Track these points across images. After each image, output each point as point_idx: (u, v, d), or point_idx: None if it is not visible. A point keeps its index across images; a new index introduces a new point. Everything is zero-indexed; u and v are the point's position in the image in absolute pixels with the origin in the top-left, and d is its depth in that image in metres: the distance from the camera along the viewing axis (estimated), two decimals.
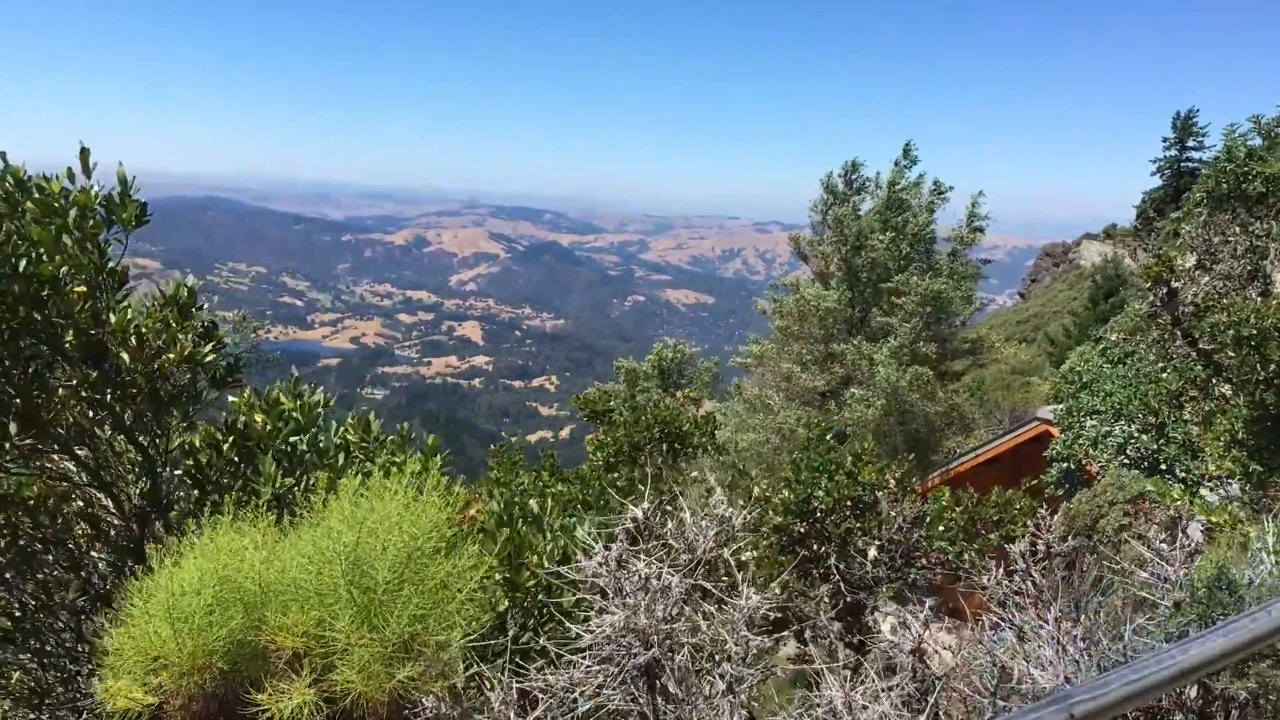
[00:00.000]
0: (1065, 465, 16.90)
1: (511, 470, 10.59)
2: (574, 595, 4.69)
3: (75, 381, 6.04)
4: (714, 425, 11.33)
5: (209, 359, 6.02)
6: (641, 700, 4.50)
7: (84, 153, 5.42)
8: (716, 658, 4.64)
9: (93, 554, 6.71)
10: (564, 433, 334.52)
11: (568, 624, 4.48)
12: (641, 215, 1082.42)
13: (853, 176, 30.67)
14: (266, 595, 3.47)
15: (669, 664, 4.56)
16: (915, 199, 27.90)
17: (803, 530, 8.76)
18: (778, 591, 9.01)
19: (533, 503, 10.09)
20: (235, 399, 7.20)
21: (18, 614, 6.25)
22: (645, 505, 4.89)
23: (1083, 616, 6.71)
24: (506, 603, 6.75)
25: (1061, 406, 17.41)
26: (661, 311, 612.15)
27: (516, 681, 4.30)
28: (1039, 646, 6.84)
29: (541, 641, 4.80)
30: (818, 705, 4.46)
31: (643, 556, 4.61)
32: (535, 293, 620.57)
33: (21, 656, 6.21)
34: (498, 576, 6.78)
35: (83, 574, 6.59)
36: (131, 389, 5.99)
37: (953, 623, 12.80)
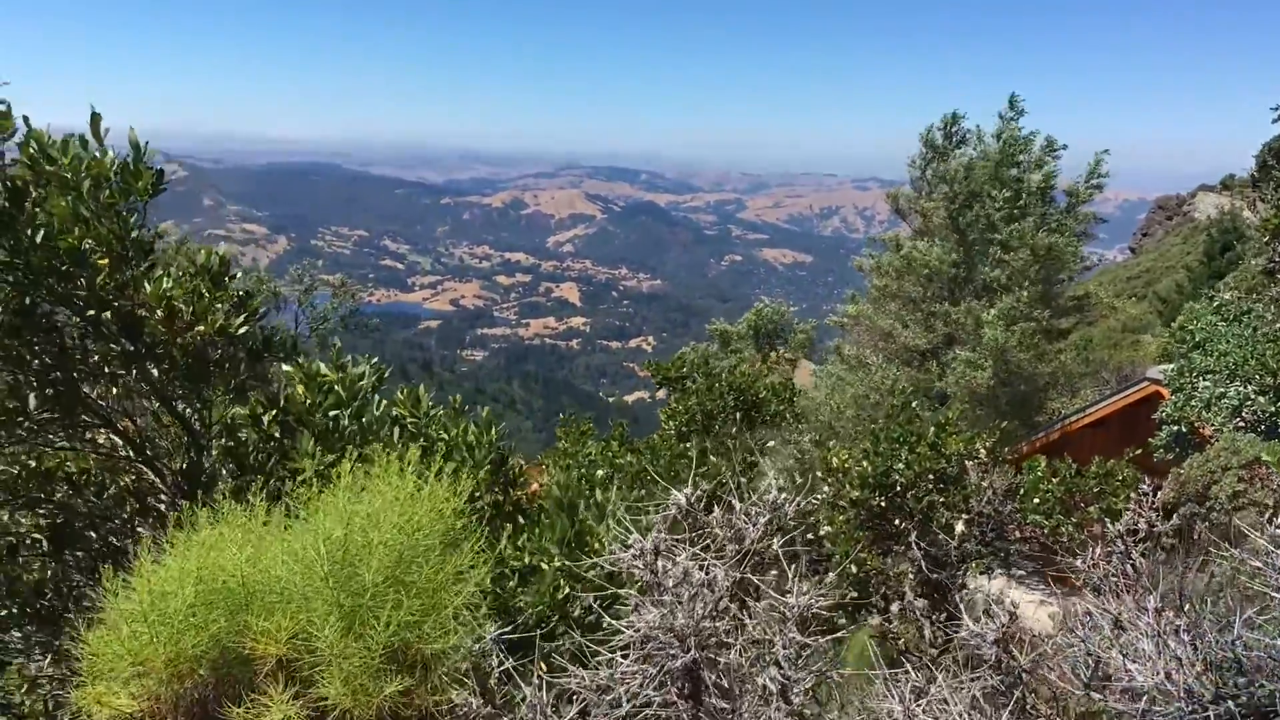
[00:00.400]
0: (1176, 428, 15.95)
1: (579, 441, 10.23)
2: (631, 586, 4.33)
3: (110, 354, 5.80)
4: (793, 392, 10.80)
5: (242, 330, 5.68)
6: (682, 705, 4.10)
7: (95, 118, 5.13)
8: (764, 660, 4.20)
9: (139, 530, 6.53)
10: (660, 393, 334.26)
11: (606, 618, 4.12)
12: (738, 174, 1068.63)
13: (952, 130, 29.53)
14: (250, 596, 3.12)
15: (712, 667, 4.15)
16: (1025, 154, 26.71)
17: (882, 504, 8.22)
18: (854, 571, 8.52)
19: (600, 473, 9.73)
20: (289, 368, 6.92)
21: (58, 592, 6.09)
22: (688, 490, 4.46)
23: (1187, 606, 6.11)
24: (566, 590, 6.38)
25: (1172, 366, 16.42)
26: (759, 271, 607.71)
27: (551, 678, 3.97)
28: (1137, 638, 6.25)
29: (577, 637, 4.45)
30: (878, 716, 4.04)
31: (685, 547, 4.18)
32: (631, 253, 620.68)
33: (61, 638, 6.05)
34: (557, 563, 6.44)
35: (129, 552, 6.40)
36: (164, 362, 5.73)
37: (1051, 591, 12.12)
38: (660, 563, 4.14)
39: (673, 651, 4.01)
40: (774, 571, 4.30)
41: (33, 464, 5.89)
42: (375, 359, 7.34)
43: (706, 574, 4.09)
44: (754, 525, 4.28)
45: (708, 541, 4.33)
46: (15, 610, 5.44)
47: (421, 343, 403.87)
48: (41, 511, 6.20)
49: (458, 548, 3.30)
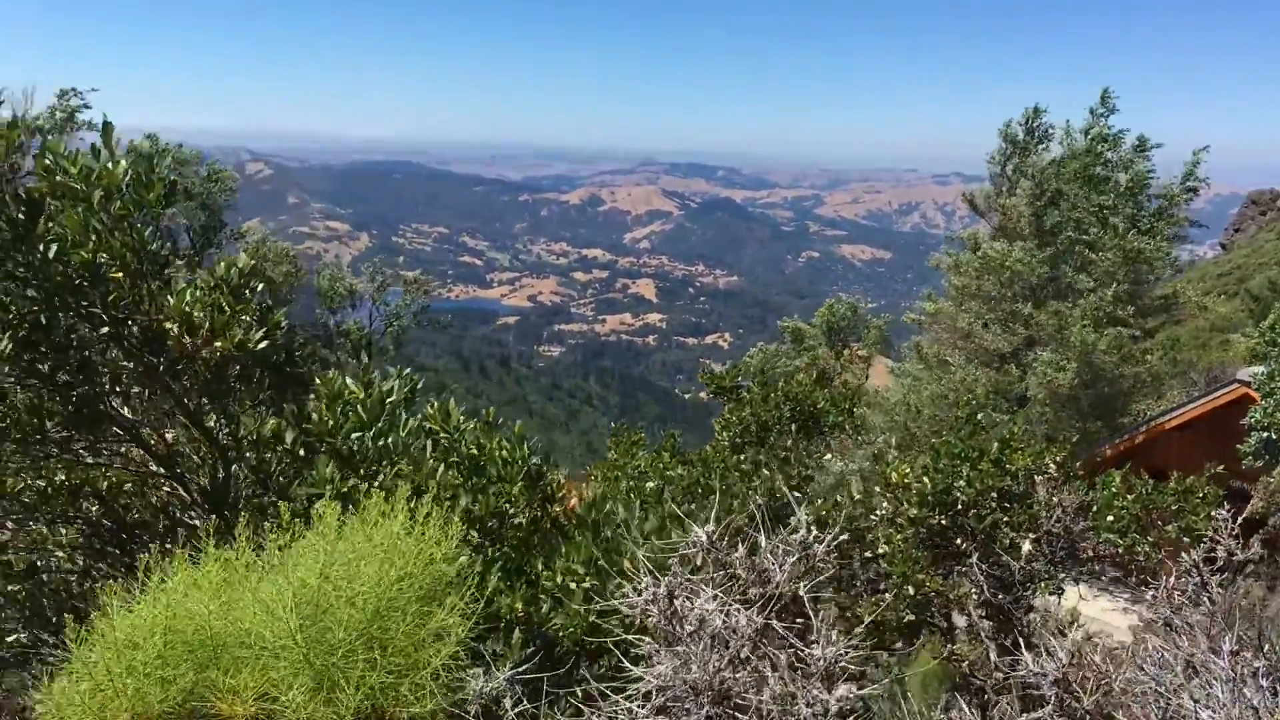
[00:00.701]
0: (1266, 434, 15.15)
1: (629, 452, 9.95)
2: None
3: (128, 370, 5.65)
4: (853, 402, 10.41)
5: (261, 346, 5.48)
6: None
7: (106, 128, 4.96)
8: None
9: (169, 546, 6.40)
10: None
11: (624, 662, 3.83)
12: (816, 170, 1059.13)
13: (1035, 125, 28.62)
14: (219, 649, 2.88)
15: None
16: (1114, 152, 25.74)
17: (943, 523, 7.82)
18: (911, 593, 8.11)
19: (650, 485, 9.45)
20: (322, 379, 6.72)
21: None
22: (710, 528, 4.14)
23: (1267, 646, 5.65)
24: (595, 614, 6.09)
25: (1263, 369, 15.60)
26: (836, 267, 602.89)
27: None
28: (1210, 681, 5.80)
29: (593, 684, 4.16)
30: None
31: (706, 588, 3.86)
32: (708, 249, 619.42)
33: None
34: (586, 584, 6.17)
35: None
36: (184, 377, 5.57)
37: (1135, 599, 11.53)
38: (678, 604, 3.84)
39: (688, 705, 3.70)
40: (799, 619, 3.97)
41: (60, 479, 5.75)
42: (407, 371, 7.13)
43: (727, 620, 3.78)
44: (781, 567, 3.95)
45: (730, 584, 4.01)
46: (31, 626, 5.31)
47: (499, 339, 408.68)
48: (71, 528, 6.07)
49: (443, 599, 3.01)
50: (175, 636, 2.91)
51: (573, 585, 6.08)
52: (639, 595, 3.60)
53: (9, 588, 5.45)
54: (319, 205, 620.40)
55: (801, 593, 3.62)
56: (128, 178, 4.91)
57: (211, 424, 5.93)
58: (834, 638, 3.67)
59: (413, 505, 3.50)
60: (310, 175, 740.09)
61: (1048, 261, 25.70)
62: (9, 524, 5.42)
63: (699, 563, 3.91)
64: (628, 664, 3.92)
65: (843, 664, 3.53)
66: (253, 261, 5.46)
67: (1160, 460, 20.04)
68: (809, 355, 43.86)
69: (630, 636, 3.59)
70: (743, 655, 3.74)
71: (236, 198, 40.11)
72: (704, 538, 3.85)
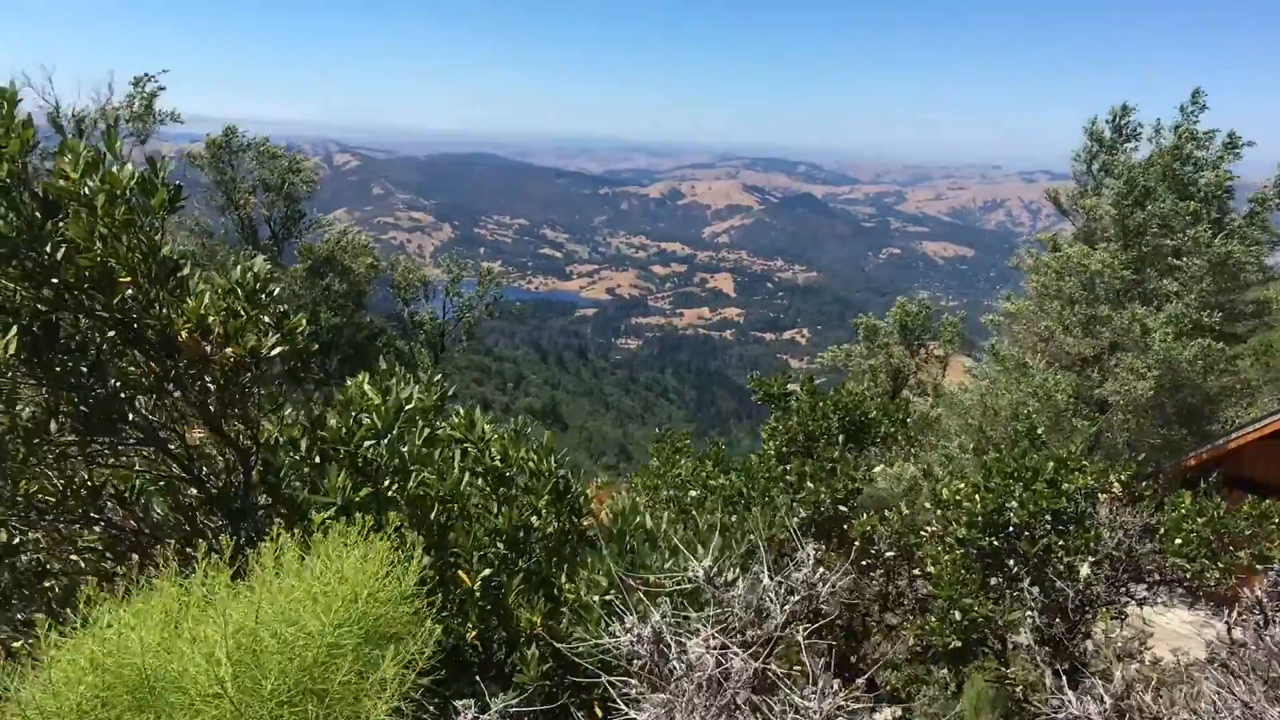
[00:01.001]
0: None
1: (671, 461, 9.67)
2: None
3: (137, 374, 5.55)
4: (906, 413, 10.00)
5: (275, 352, 5.33)
6: None
7: (109, 133, 4.82)
8: None
9: (188, 551, 6.30)
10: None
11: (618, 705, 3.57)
12: (899, 166, 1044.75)
13: (1123, 123, 27.65)
14: (153, 693, 2.69)
15: None
16: (1204, 151, 24.73)
17: (995, 545, 7.42)
18: (957, 618, 7.72)
19: (693, 494, 9.18)
20: (351, 380, 6.58)
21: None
22: (707, 563, 3.84)
23: None
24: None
25: None
26: (918, 264, 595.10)
27: None
28: None
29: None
30: None
31: (699, 626, 3.58)
32: (788, 245, 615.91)
33: None
34: (609, 596, 5.91)
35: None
36: (197, 383, 5.45)
37: (1214, 612, 10.97)
38: (669, 640, 3.57)
39: None
40: (797, 666, 3.67)
41: (79, 479, 5.67)
42: (440, 376, 6.94)
43: (720, 662, 3.50)
44: (781, 607, 3.65)
45: (726, 623, 3.72)
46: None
47: (577, 330, 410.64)
48: (96, 530, 6.00)
49: (395, 643, 2.78)
50: (112, 676, 2.72)
51: (594, 599, 5.84)
52: (626, 634, 3.32)
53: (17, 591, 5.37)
54: (403, 196, 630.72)
55: (800, 636, 3.31)
56: (131, 181, 4.75)
57: (230, 428, 5.79)
58: (835, 685, 3.36)
59: (395, 529, 3.28)
60: (395, 167, 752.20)
61: (1131, 264, 24.83)
62: (15, 524, 5.33)
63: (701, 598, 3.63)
64: (621, 704, 3.67)
65: (842, 716, 3.22)
66: (269, 266, 5.30)
67: (1250, 470, 19.28)
68: (883, 354, 43.23)
69: (615, 679, 3.33)
70: (738, 702, 3.45)
71: (317, 189, 40.35)
72: (701, 573, 3.56)
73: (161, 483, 6.19)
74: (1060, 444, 23.65)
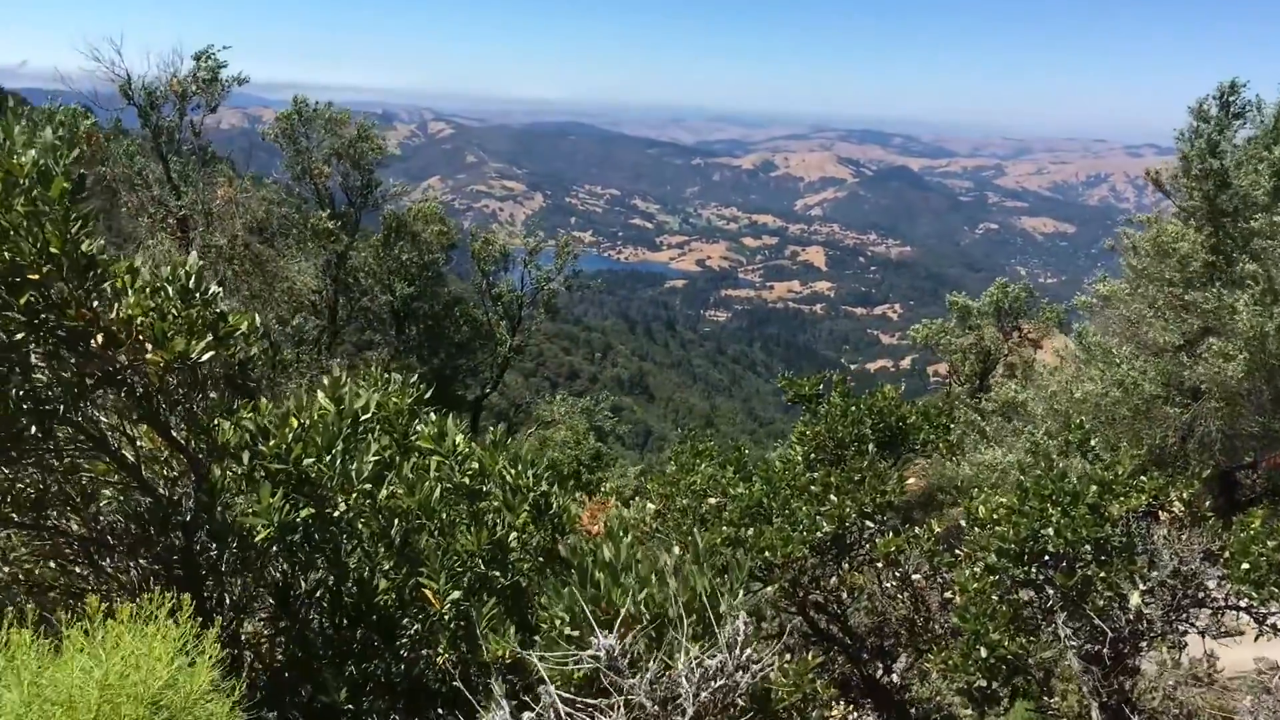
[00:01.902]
0: None
1: (690, 466, 9.03)
2: None
3: (78, 376, 5.11)
4: (947, 418, 9.22)
5: (206, 357, 4.83)
6: None
7: (2, 98, 4.32)
8: None
9: (130, 562, 5.90)
10: (904, 362, 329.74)
11: None
12: (998, 139, 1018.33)
13: (1230, 100, 25.98)
14: None
15: None
16: None
17: (1029, 575, 6.66)
18: (983, 655, 6.96)
19: (712, 501, 8.55)
20: (294, 393, 6.06)
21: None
22: (611, 640, 3.22)
23: None
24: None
25: None
26: (1016, 240, 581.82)
27: None
28: None
29: None
30: None
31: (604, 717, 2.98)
32: (882, 218, 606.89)
33: None
34: (568, 630, 5.33)
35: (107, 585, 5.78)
36: (125, 386, 4.98)
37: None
38: None
39: None
40: None
41: (19, 486, 5.27)
42: (414, 380, 6.40)
43: None
44: (695, 696, 3.02)
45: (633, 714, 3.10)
46: None
47: (666, 301, 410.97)
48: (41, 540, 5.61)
49: None
50: None
51: (555, 635, 5.28)
52: None
53: None
54: (496, 165, 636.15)
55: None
56: (31, 169, 4.25)
57: (179, 434, 5.33)
58: None
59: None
60: (489, 135, 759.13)
61: (1221, 246, 23.46)
62: None
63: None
64: None
65: None
66: (200, 262, 4.78)
67: None
68: (974, 335, 42.11)
69: None
70: None
71: (388, 156, 40.15)
72: (603, 653, 2.94)
73: (109, 490, 5.77)
74: (1149, 434, 22.44)
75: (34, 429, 5.14)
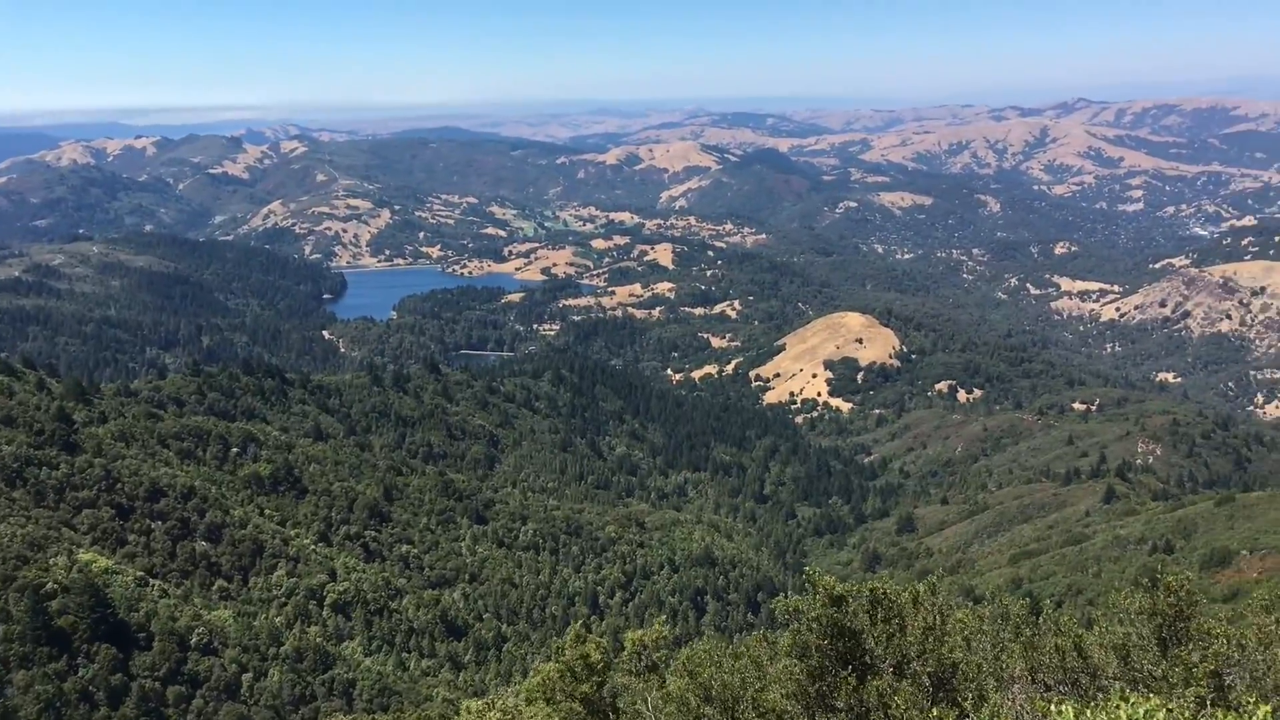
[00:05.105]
0: None
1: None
2: None
3: None
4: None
5: None
6: None
7: None
8: None
9: None
10: (729, 368, 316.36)
11: None
12: (870, 111, 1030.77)
13: None
14: None
15: None
16: None
17: None
18: None
19: None
20: None
21: None
22: None
23: None
24: None
25: None
26: (875, 217, 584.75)
27: None
28: None
29: None
30: None
31: None
32: (743, 206, 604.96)
33: None
34: None
35: None
36: None
37: None
38: None
39: None
40: None
41: None
42: None
43: None
44: None
45: None
46: None
47: (496, 320, 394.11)
48: None
49: None
50: None
51: None
52: None
53: None
54: (347, 182, 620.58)
55: None
56: None
57: None
58: None
59: None
60: (345, 150, 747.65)
61: None
62: None
63: None
64: None
65: None
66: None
67: None
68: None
69: None
70: None
71: None
72: None
73: None
74: None
75: None
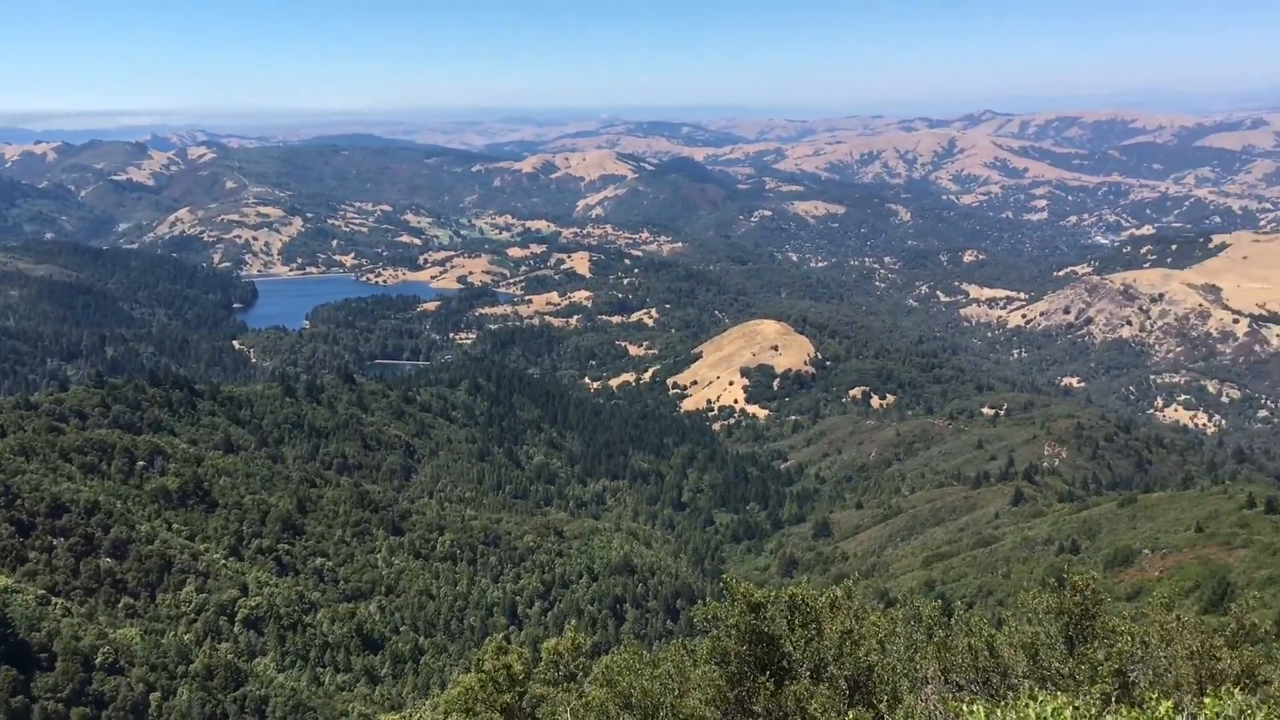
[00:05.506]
0: None
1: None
2: None
3: None
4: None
5: None
6: None
7: None
8: None
9: None
10: (647, 376, 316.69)
11: None
12: (783, 121, 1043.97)
13: None
14: None
15: None
16: None
17: None
18: None
19: None
20: None
21: None
22: None
23: None
24: None
25: None
26: (789, 226, 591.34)
27: None
28: None
29: None
30: None
31: None
32: (659, 214, 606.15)
33: None
34: None
35: None
36: None
37: None
38: None
39: None
40: None
41: None
42: None
43: None
44: None
45: None
46: None
47: (412, 329, 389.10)
48: None
49: None
50: None
51: None
52: None
53: None
54: (258, 189, 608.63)
55: None
56: None
57: None
58: None
59: None
60: (255, 157, 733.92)
61: None
62: None
63: None
64: None
65: None
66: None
67: None
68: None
69: None
70: None
71: None
72: None
73: None
74: None
75: None
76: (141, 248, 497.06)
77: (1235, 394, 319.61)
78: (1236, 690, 9.08)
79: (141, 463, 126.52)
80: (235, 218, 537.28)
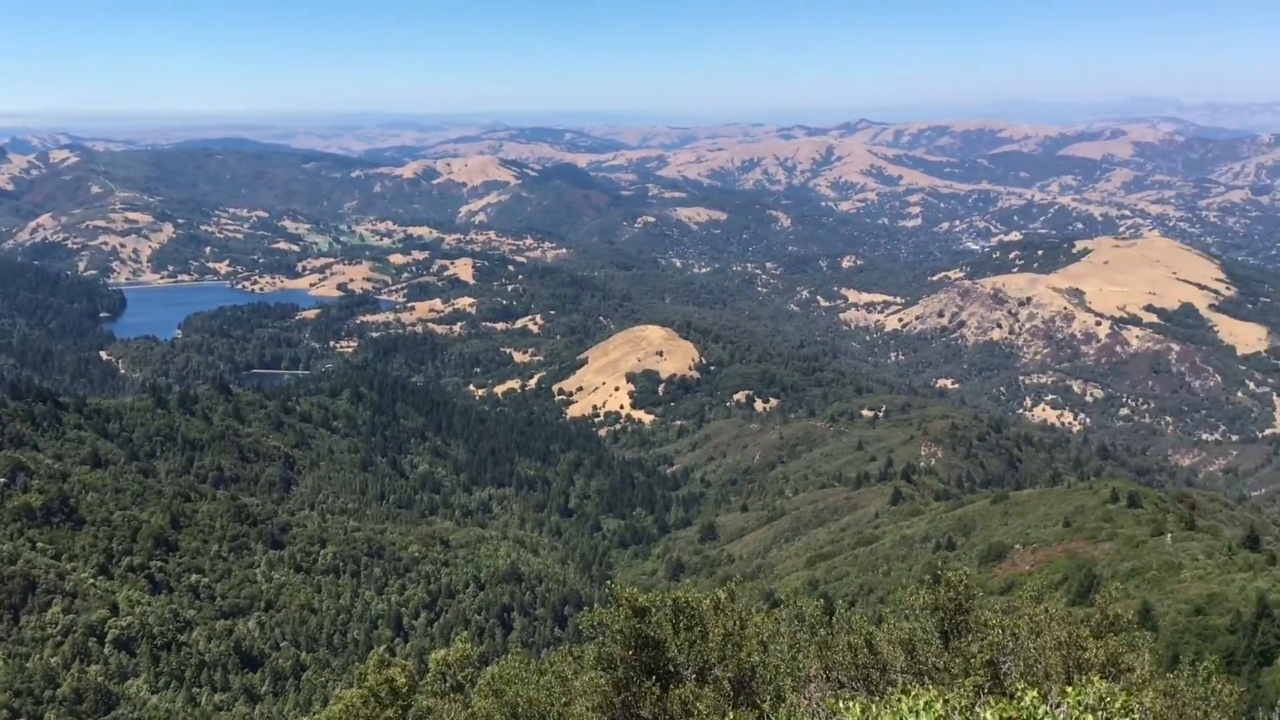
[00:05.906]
0: None
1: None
2: None
3: None
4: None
5: None
6: None
7: None
8: None
9: None
10: (532, 382, 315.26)
11: None
12: (665, 128, 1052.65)
13: None
14: None
15: None
16: None
17: None
18: None
19: None
20: None
21: None
22: None
23: None
24: None
25: None
26: (672, 232, 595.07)
27: None
28: None
29: None
30: None
31: None
32: (543, 220, 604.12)
33: None
34: None
35: None
36: None
37: None
38: None
39: None
40: None
41: None
42: None
43: None
44: None
45: None
46: None
47: (291, 338, 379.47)
48: None
49: None
50: None
51: None
52: None
53: None
54: (125, 194, 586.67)
55: None
56: None
57: None
58: None
59: None
60: (122, 161, 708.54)
61: None
62: None
63: None
64: None
65: None
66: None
67: None
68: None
69: None
70: None
71: None
72: None
73: None
74: None
75: None
76: (0, 255, 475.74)
77: (1098, 393, 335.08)
78: (1098, 679, 9.53)
79: (2, 479, 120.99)
80: (101, 224, 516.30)
